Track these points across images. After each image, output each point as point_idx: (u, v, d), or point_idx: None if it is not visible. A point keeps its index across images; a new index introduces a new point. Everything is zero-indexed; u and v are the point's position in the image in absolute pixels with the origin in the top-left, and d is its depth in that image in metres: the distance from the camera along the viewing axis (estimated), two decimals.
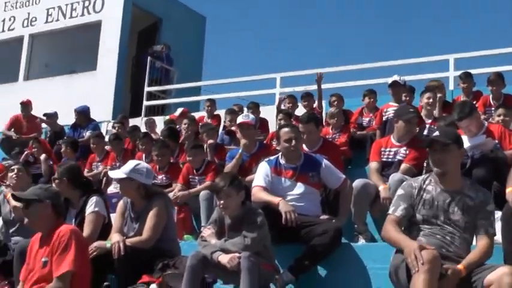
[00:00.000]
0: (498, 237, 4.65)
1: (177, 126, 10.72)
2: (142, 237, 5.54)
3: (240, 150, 7.57)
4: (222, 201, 5.18)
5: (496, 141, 6.43)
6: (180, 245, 5.99)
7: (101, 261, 5.40)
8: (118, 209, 5.90)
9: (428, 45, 41.97)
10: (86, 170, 9.94)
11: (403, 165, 6.39)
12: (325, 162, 6.04)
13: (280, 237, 5.55)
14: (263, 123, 10.58)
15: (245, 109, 11.11)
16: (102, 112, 14.90)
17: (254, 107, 11.02)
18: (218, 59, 43.33)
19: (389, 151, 6.62)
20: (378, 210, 6.37)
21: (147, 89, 15.39)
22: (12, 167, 7.51)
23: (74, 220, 5.98)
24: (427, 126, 7.99)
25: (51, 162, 10.62)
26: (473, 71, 9.92)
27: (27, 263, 5.29)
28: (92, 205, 5.91)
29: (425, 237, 4.40)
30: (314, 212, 5.88)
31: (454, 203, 4.42)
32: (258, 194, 5.80)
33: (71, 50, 17.86)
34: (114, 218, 5.93)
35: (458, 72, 10.08)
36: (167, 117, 13.14)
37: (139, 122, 13.57)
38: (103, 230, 5.88)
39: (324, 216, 5.96)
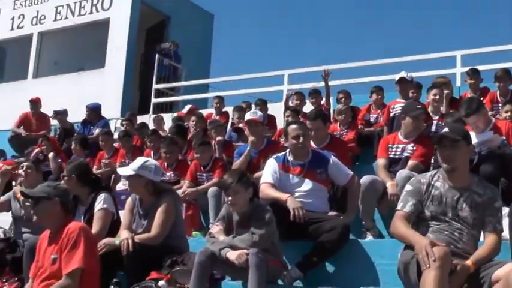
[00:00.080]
0: (506, 234, 4.65)
1: (185, 124, 10.75)
2: (151, 234, 5.56)
3: (248, 147, 7.59)
4: (230, 198, 5.20)
5: (504, 137, 6.42)
6: (188, 242, 6.02)
7: (110, 258, 5.44)
8: (126, 205, 5.93)
9: (435, 42, 41.88)
10: (94, 167, 9.98)
11: (411, 162, 6.39)
12: (332, 158, 6.05)
13: (288, 234, 5.56)
14: (271, 120, 10.58)
15: (253, 106, 11.12)
16: (111, 109, 14.92)
17: (262, 103, 11.00)
18: (226, 56, 43.38)
19: (397, 147, 6.62)
20: (385, 206, 6.37)
21: (155, 86, 15.41)
22: (22, 164, 7.57)
23: (82, 217, 6.00)
24: (435, 122, 7.99)
25: (59, 160, 10.65)
26: (480, 67, 9.88)
27: (36, 260, 5.33)
28: (100, 202, 5.93)
29: (434, 233, 4.40)
30: (322, 208, 5.89)
31: (463, 200, 4.42)
32: (266, 190, 5.81)
33: (79, 47, 17.93)
34: (123, 214, 5.95)
35: (466, 69, 10.06)
36: (175, 114, 13.16)
37: (147, 119, 13.62)
38: (112, 226, 5.91)
39: (331, 213, 5.98)
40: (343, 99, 10.18)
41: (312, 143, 6.65)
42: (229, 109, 11.75)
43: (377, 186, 6.31)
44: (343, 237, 5.47)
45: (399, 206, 4.53)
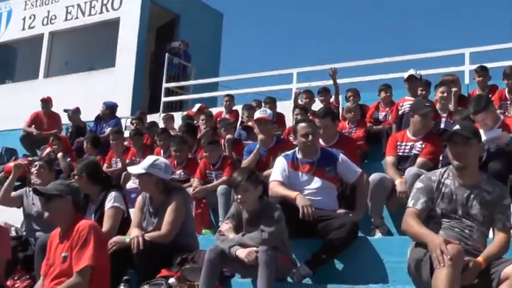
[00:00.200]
0: None
1: (195, 122, 10.79)
2: (161, 232, 5.58)
3: (257, 145, 7.61)
4: (239, 196, 5.21)
5: None
6: (198, 240, 6.05)
7: (120, 256, 5.46)
8: (137, 204, 5.94)
9: (444, 39, 41.73)
10: (105, 165, 10.03)
11: (419, 159, 6.39)
12: (341, 156, 6.06)
13: (298, 232, 5.58)
14: (279, 118, 10.58)
15: (262, 104, 11.15)
16: (121, 108, 14.86)
17: (271, 101, 11.02)
18: (235, 55, 43.40)
19: (405, 145, 6.63)
20: (394, 204, 6.38)
21: (165, 85, 15.44)
22: (35, 163, 7.63)
23: (93, 215, 6.03)
24: (443, 120, 7.99)
25: (68, 159, 10.69)
26: (488, 65, 9.85)
27: (47, 258, 5.36)
28: (111, 200, 5.96)
29: (444, 230, 4.40)
30: (331, 206, 5.91)
31: (473, 197, 4.42)
32: (276, 188, 5.82)
33: (90, 47, 18.02)
34: (133, 213, 5.97)
35: (474, 66, 10.03)
36: (185, 113, 13.20)
37: (157, 118, 13.66)
38: (122, 224, 5.92)
39: (340, 211, 5.99)
40: (351, 97, 10.19)
41: (320, 140, 6.64)
42: (238, 107, 11.78)
43: (386, 183, 6.31)
44: (352, 235, 5.49)
45: (410, 203, 4.51)
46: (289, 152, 6.17)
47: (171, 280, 5.24)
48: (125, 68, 16.67)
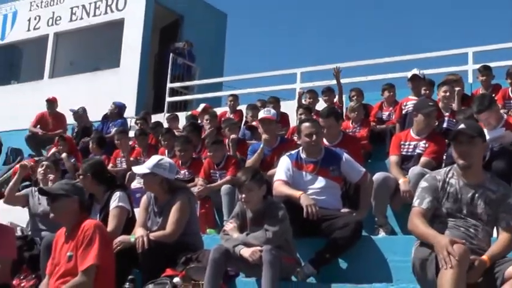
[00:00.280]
0: None
1: (199, 122, 10.81)
2: (165, 231, 5.59)
3: (261, 145, 7.62)
4: (244, 195, 5.23)
5: None
6: (202, 239, 6.06)
7: (125, 255, 5.48)
8: (142, 203, 5.96)
9: (447, 39, 41.66)
10: (110, 165, 10.06)
11: (423, 159, 6.39)
12: (345, 156, 6.07)
13: (302, 231, 5.59)
14: (283, 118, 10.60)
15: (266, 104, 11.16)
16: (126, 108, 15.02)
17: (275, 101, 11.03)
18: (239, 55, 43.42)
19: (409, 145, 6.63)
20: (398, 203, 6.38)
21: (169, 85, 15.50)
22: (42, 163, 7.66)
23: (98, 215, 6.04)
24: (446, 119, 7.99)
25: (72, 160, 10.72)
26: (492, 64, 9.87)
27: (52, 257, 5.38)
28: (115, 200, 5.96)
29: (450, 229, 4.39)
30: (335, 205, 5.91)
31: (477, 196, 4.42)
32: (280, 188, 5.83)
33: (94, 47, 18.07)
34: (138, 212, 5.98)
35: (477, 66, 10.05)
36: (189, 112, 13.22)
37: (162, 118, 13.69)
38: (127, 224, 5.93)
39: (344, 210, 5.99)
40: (355, 97, 10.19)
41: (324, 140, 6.65)
42: (242, 107, 11.80)
43: (389, 183, 6.31)
44: (355, 234, 5.49)
45: (416, 203, 4.49)
46: (293, 152, 6.18)
47: (176, 279, 5.26)
48: (130, 68, 16.70)
